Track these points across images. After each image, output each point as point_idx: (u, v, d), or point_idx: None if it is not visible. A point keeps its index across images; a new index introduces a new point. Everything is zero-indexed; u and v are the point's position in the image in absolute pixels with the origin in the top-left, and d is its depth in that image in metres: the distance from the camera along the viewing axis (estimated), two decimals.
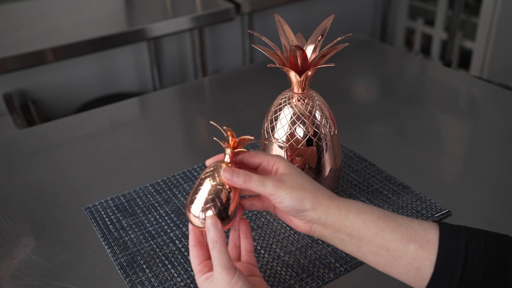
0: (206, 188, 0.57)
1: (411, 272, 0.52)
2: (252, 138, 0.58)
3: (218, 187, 0.56)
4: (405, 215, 0.76)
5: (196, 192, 0.57)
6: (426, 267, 0.51)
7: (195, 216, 0.56)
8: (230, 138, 0.58)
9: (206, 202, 0.56)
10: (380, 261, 0.53)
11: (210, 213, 0.56)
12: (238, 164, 0.59)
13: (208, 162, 0.60)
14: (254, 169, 0.60)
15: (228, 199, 0.56)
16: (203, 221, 0.56)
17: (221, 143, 0.58)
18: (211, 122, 0.58)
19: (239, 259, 0.62)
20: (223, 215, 0.56)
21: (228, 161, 0.58)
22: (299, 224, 0.57)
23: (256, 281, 0.59)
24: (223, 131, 0.58)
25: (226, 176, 0.55)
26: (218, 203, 0.56)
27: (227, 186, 0.56)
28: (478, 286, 0.49)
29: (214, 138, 0.60)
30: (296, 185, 0.54)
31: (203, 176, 0.57)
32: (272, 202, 0.58)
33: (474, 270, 0.49)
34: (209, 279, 0.55)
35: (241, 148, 0.58)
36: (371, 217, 0.53)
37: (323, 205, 0.54)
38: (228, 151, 0.58)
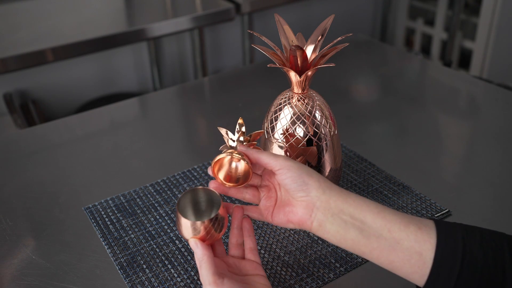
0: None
1: (414, 258, 0.51)
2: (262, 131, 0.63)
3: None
4: None
5: None
6: (428, 250, 0.50)
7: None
8: (241, 129, 0.63)
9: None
10: (384, 246, 0.52)
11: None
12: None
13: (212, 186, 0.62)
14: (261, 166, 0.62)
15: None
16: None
17: (233, 134, 0.63)
18: (218, 128, 0.63)
19: (243, 257, 0.62)
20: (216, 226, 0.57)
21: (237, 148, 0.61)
22: (299, 212, 0.56)
23: (258, 281, 0.59)
24: (237, 126, 0.63)
25: (242, 149, 0.60)
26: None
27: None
28: (478, 277, 0.49)
29: (221, 129, 0.64)
30: (301, 169, 0.57)
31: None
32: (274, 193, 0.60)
33: (473, 260, 0.49)
34: None
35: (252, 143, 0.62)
36: (369, 202, 0.54)
37: (327, 182, 0.56)
38: (239, 140, 0.62)
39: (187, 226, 0.56)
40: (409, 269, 0.52)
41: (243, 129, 0.63)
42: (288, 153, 0.72)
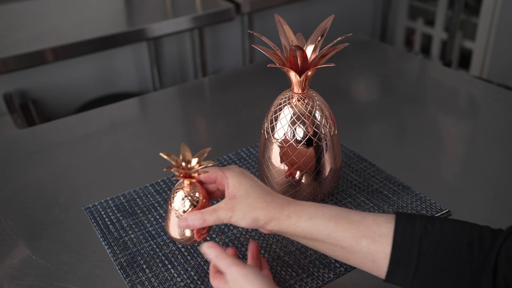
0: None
1: (368, 264, 0.56)
2: (211, 164, 0.61)
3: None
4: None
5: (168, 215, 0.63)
6: (381, 259, 0.54)
7: (174, 237, 0.64)
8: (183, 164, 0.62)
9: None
10: (338, 256, 0.58)
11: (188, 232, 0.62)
12: (199, 182, 0.63)
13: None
14: (213, 183, 0.64)
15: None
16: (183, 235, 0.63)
17: (175, 171, 0.61)
18: (160, 154, 0.62)
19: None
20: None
21: (188, 187, 0.62)
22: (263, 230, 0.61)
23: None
24: (171, 161, 0.61)
25: (183, 225, 0.60)
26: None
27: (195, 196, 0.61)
28: (435, 274, 0.53)
29: (168, 156, 0.62)
30: (246, 207, 0.58)
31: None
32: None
33: (429, 259, 0.53)
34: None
35: (197, 172, 0.61)
36: (322, 220, 0.57)
37: (274, 219, 0.58)
38: (186, 181, 0.62)
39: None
40: (367, 269, 0.57)
41: (192, 157, 0.62)
42: (288, 153, 0.72)
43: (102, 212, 0.79)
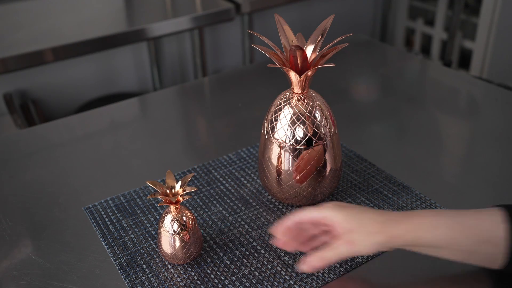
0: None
1: (486, 263, 0.60)
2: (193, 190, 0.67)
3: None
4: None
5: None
6: (499, 259, 0.58)
7: (165, 255, 0.69)
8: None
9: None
10: (458, 258, 0.60)
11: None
12: (292, 225, 0.64)
13: (276, 233, 0.64)
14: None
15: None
16: None
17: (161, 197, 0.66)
18: (147, 182, 0.67)
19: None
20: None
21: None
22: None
23: None
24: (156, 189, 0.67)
25: (305, 269, 0.61)
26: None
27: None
28: None
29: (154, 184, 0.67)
30: (364, 236, 0.59)
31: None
32: None
33: None
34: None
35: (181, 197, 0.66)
36: (441, 231, 0.59)
37: (394, 236, 0.59)
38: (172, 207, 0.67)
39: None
40: (484, 265, 0.60)
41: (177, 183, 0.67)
42: (288, 153, 0.72)
43: (102, 212, 0.79)
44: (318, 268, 0.61)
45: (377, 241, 0.58)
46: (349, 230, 0.59)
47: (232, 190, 0.83)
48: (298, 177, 0.73)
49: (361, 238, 0.58)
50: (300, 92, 0.71)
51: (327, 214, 0.60)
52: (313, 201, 0.77)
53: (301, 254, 0.70)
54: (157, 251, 0.71)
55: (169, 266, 0.69)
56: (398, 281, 0.67)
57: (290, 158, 0.72)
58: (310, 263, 0.60)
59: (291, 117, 0.71)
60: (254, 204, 0.80)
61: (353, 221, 0.59)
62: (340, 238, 0.59)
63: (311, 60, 0.70)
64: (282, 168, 0.73)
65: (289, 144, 0.71)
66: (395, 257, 0.69)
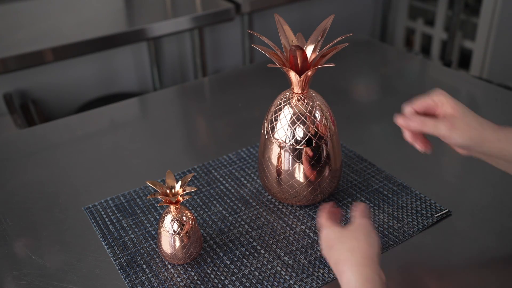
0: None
1: None
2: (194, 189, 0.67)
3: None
4: (407, 214, 0.76)
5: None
6: None
7: (166, 255, 0.69)
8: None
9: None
10: None
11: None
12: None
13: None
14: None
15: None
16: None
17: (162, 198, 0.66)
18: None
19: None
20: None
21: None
22: (460, 150, 0.66)
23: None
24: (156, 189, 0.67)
25: (401, 122, 0.64)
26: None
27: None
28: None
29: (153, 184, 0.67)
30: (465, 126, 0.62)
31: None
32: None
33: None
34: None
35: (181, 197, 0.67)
36: None
37: (487, 140, 0.61)
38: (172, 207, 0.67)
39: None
40: None
41: (177, 182, 0.68)
42: (288, 153, 0.72)
43: (102, 212, 0.79)
44: (412, 127, 0.63)
45: (472, 135, 0.61)
46: (455, 115, 0.62)
47: (232, 190, 0.83)
48: (298, 178, 0.73)
49: (461, 126, 0.61)
50: (300, 92, 0.71)
51: (441, 97, 0.64)
52: (313, 201, 0.77)
53: (301, 254, 0.70)
54: (157, 251, 0.71)
55: (169, 266, 0.69)
56: (398, 280, 0.67)
57: (290, 158, 0.72)
58: (407, 120, 0.63)
59: (291, 117, 0.71)
60: (254, 204, 0.80)
61: (461, 109, 0.63)
62: (445, 118, 0.62)
63: (311, 60, 0.70)
64: (282, 168, 0.73)
65: (289, 144, 0.71)
66: (394, 258, 0.69)
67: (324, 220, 0.62)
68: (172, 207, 0.66)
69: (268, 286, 0.66)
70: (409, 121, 0.63)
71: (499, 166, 0.67)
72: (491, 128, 0.62)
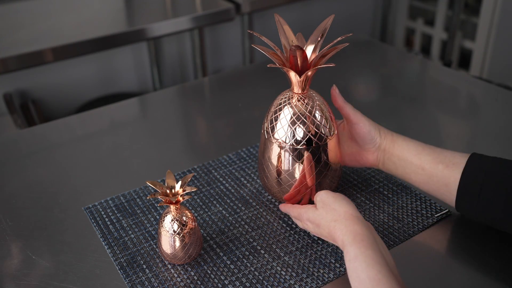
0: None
1: (442, 189, 0.69)
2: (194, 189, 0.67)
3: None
4: (407, 214, 0.76)
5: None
6: (451, 184, 0.68)
7: (166, 255, 0.69)
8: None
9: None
10: (420, 180, 0.72)
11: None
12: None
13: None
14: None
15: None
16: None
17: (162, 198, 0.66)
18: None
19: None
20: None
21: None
22: (369, 158, 0.76)
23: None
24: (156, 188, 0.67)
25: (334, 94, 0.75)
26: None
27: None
28: (496, 201, 0.65)
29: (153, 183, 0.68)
30: (366, 121, 0.75)
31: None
32: (353, 131, 0.75)
33: (490, 190, 0.65)
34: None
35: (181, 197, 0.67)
36: (413, 143, 0.73)
37: (387, 134, 0.75)
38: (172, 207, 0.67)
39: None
40: (440, 196, 0.71)
41: (177, 182, 0.68)
42: (288, 153, 0.72)
43: (102, 212, 0.79)
44: (336, 100, 0.76)
45: (377, 127, 0.76)
46: (365, 121, 0.75)
47: (232, 190, 0.83)
48: (298, 178, 0.73)
49: (368, 124, 0.75)
50: (300, 92, 0.71)
51: (363, 118, 0.75)
52: (313, 201, 0.77)
53: (301, 254, 0.70)
54: (157, 251, 0.71)
55: (169, 266, 0.69)
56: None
57: (290, 158, 0.72)
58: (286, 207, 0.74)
59: (291, 117, 0.71)
60: (254, 204, 0.80)
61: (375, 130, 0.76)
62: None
63: (311, 60, 0.70)
64: (282, 168, 0.73)
65: (289, 144, 0.71)
66: (394, 258, 0.69)
67: (292, 208, 0.71)
68: (172, 207, 0.67)
69: (268, 286, 0.66)
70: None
71: (393, 170, 0.75)
72: (387, 132, 0.76)
